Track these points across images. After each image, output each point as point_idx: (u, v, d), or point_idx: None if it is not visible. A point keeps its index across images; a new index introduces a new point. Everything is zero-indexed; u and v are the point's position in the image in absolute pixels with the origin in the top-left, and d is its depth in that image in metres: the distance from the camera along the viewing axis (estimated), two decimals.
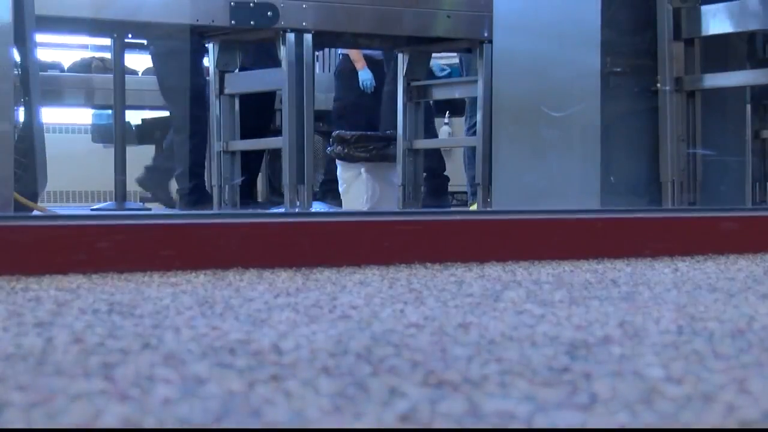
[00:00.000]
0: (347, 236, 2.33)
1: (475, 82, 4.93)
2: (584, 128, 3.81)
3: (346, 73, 6.79)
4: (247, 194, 5.87)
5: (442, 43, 5.08)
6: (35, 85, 3.01)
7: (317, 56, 6.72)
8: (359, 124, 6.58)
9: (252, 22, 4.59)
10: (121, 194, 6.30)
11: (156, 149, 6.60)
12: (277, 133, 5.53)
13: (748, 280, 1.97)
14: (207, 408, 0.86)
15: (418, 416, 0.84)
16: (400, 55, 5.31)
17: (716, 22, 3.84)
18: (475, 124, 6.02)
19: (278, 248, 2.24)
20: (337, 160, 6.35)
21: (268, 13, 4.58)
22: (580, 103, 3.81)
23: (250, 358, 1.11)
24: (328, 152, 6.34)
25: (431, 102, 5.68)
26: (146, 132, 7.89)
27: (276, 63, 4.96)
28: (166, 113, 7.28)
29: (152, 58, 6.13)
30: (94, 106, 8.05)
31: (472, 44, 4.96)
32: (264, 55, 5.61)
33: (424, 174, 5.53)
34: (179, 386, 0.95)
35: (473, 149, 6.00)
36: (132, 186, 6.81)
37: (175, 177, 5.97)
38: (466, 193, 7.00)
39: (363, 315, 1.46)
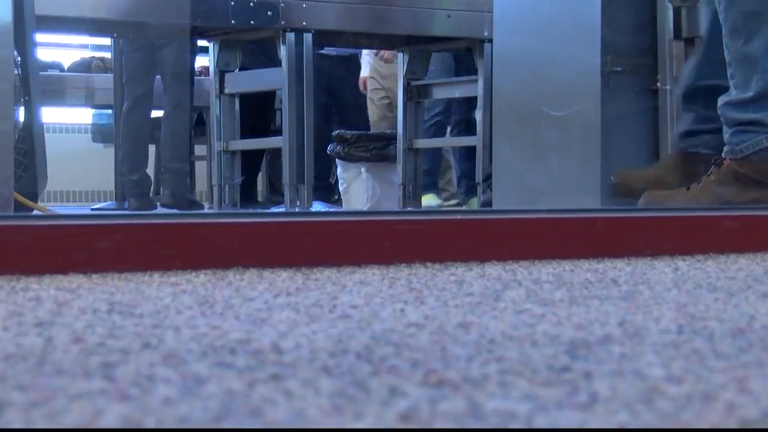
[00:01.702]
0: (347, 236, 2.33)
1: (475, 81, 4.93)
2: (584, 127, 3.81)
3: None
4: (247, 194, 5.87)
5: (442, 42, 5.08)
6: (35, 84, 3.01)
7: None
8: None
9: (252, 22, 4.60)
10: (121, 194, 6.30)
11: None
12: (277, 132, 5.54)
13: (749, 279, 1.97)
14: (207, 407, 0.86)
15: (418, 415, 0.84)
16: (400, 55, 5.31)
17: None
18: (431, 117, 6.04)
19: (278, 248, 2.24)
20: (337, 160, 6.35)
21: (268, 13, 4.58)
22: (581, 102, 3.81)
23: (250, 357, 1.11)
24: (329, 152, 6.33)
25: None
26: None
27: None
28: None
29: None
30: (94, 106, 8.06)
31: (472, 43, 4.96)
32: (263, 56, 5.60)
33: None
34: (179, 386, 0.95)
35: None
36: None
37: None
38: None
39: (363, 314, 1.46)
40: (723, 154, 2.74)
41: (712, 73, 2.83)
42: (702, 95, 2.86)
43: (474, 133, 5.96)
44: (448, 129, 6.30)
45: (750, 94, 2.61)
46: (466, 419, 0.83)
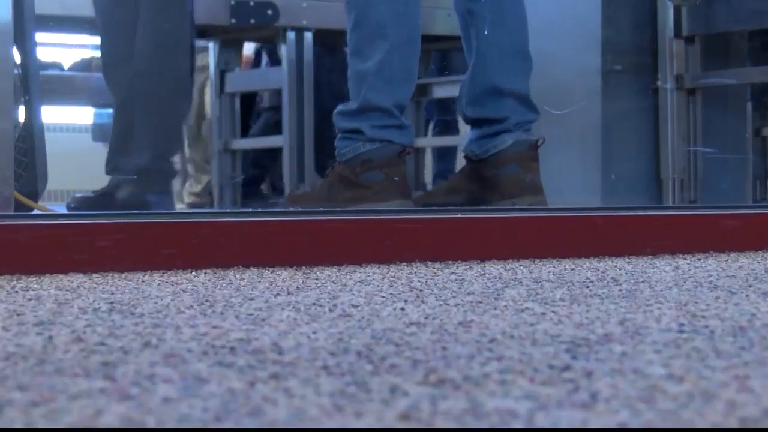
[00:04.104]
0: (348, 235, 2.33)
1: None
2: (585, 126, 3.81)
3: None
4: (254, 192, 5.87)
5: (443, 41, 5.08)
6: (35, 84, 3.01)
7: None
8: None
9: (252, 21, 4.59)
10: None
11: None
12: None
13: (749, 278, 1.97)
14: (207, 407, 0.86)
15: (419, 415, 0.84)
16: None
17: (717, 20, 3.84)
18: None
19: (279, 247, 2.24)
20: None
21: (268, 12, 4.57)
22: (581, 101, 3.81)
23: (251, 356, 1.11)
24: None
25: None
26: None
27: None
28: None
29: None
30: (95, 105, 8.06)
31: None
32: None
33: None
34: (180, 385, 0.95)
35: None
36: None
37: None
38: None
39: (364, 313, 1.46)
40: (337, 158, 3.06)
41: (494, 77, 3.09)
42: (489, 99, 3.11)
43: (452, 133, 5.98)
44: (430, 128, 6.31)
45: (354, 106, 2.97)
46: (466, 418, 0.83)
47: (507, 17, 3.08)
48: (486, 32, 3.06)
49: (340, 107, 3.02)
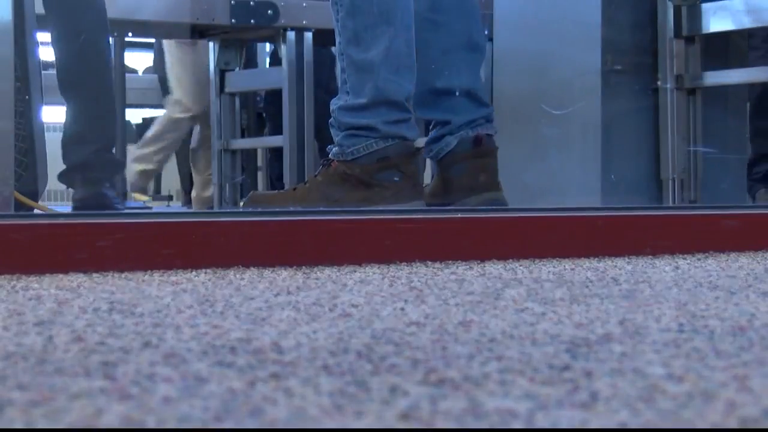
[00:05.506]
0: (348, 235, 2.33)
1: None
2: (585, 126, 3.81)
3: None
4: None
5: None
6: (36, 83, 3.01)
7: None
8: None
9: (252, 21, 4.60)
10: (122, 192, 6.29)
11: None
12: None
13: (749, 278, 1.97)
14: (207, 407, 0.86)
15: (419, 414, 0.84)
16: None
17: (717, 20, 3.84)
18: None
19: (279, 247, 2.24)
20: None
21: (269, 12, 4.58)
22: (581, 101, 3.81)
23: (251, 356, 1.11)
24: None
25: None
26: (147, 130, 7.89)
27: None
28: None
29: None
30: None
31: None
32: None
33: None
34: (180, 385, 0.96)
35: None
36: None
37: None
38: None
39: (363, 313, 1.46)
40: (331, 156, 2.82)
41: (437, 78, 2.96)
42: (434, 100, 2.98)
43: None
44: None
45: (363, 100, 2.74)
46: (466, 418, 0.83)
47: (446, 13, 2.92)
48: (422, 32, 2.89)
49: (340, 102, 2.80)
